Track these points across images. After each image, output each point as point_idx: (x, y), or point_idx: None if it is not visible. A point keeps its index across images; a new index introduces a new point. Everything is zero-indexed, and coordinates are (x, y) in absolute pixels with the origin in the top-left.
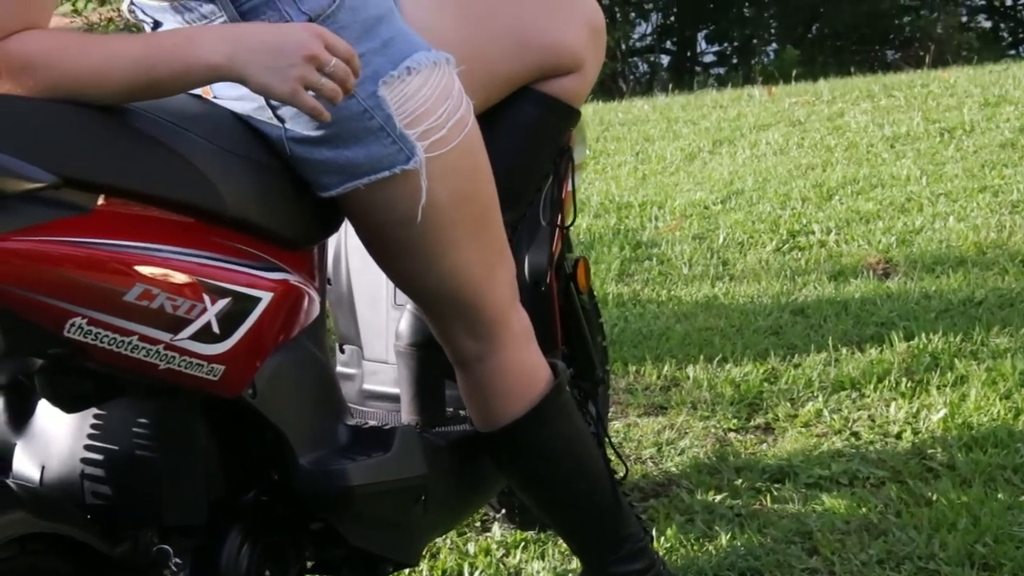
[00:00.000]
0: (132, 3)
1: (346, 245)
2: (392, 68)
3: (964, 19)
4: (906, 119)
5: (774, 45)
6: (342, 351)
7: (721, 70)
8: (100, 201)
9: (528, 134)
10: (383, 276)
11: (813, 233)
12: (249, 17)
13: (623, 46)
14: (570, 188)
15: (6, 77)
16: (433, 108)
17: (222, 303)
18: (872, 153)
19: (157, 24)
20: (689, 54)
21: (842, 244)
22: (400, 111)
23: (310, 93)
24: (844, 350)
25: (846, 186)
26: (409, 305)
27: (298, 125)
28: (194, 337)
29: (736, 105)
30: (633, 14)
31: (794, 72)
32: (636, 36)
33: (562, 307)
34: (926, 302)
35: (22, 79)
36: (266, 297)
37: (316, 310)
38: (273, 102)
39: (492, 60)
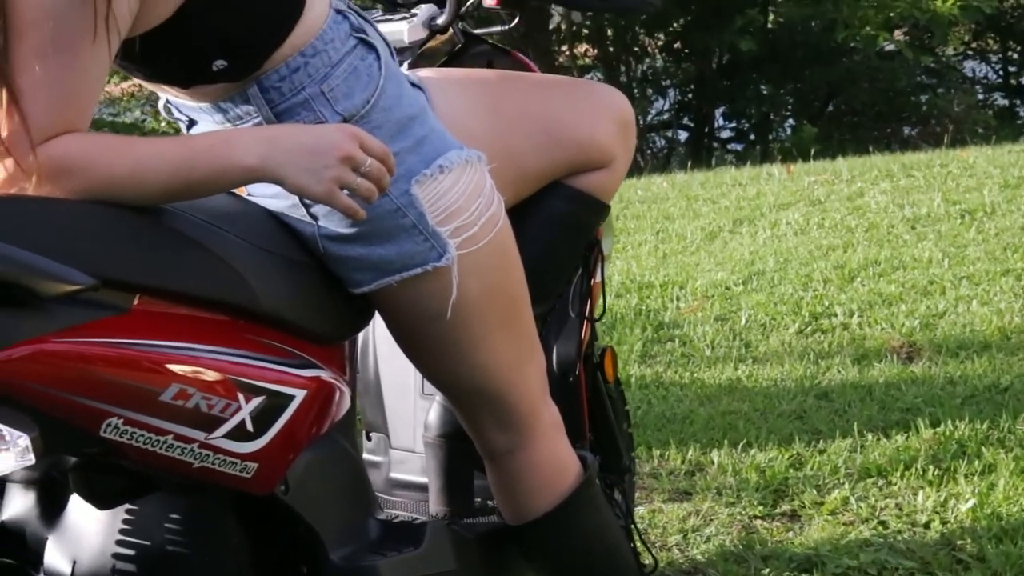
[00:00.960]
0: (168, 101)
1: (374, 333)
2: (425, 167)
3: (981, 97)
4: (926, 200)
5: (791, 121)
6: (369, 439)
7: (739, 146)
8: (136, 301)
9: (558, 229)
10: (411, 365)
11: (835, 315)
12: (284, 118)
13: (641, 122)
14: (599, 280)
15: (45, 180)
16: (465, 205)
17: (256, 401)
18: (893, 234)
19: (192, 122)
20: (707, 130)
21: (865, 327)
22: (433, 209)
23: (345, 192)
24: (870, 436)
25: (868, 268)
26: (438, 396)
27: (331, 223)
28: (228, 436)
29: (755, 183)
30: (651, 90)
31: (812, 150)
32: (654, 112)
33: (589, 397)
34: (951, 388)
35: (61, 182)
36: (299, 395)
37: (347, 404)
38: (307, 201)
39: (523, 156)
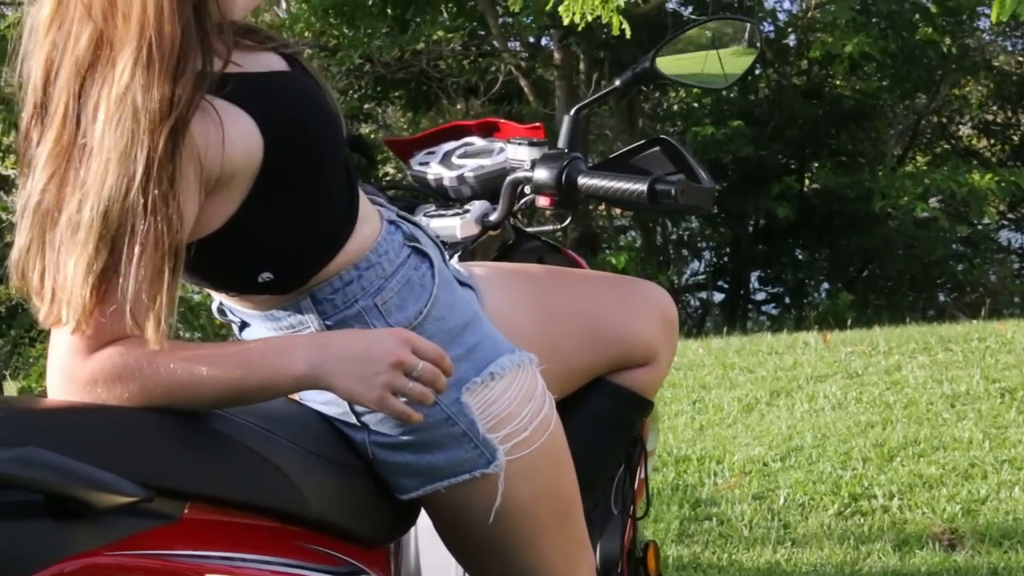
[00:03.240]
0: (221, 304)
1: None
2: (476, 374)
3: (1016, 267)
4: (965, 376)
5: (826, 285)
6: None
7: (774, 309)
8: (186, 509)
9: (601, 425)
10: (451, 556)
11: (875, 497)
12: (336, 329)
13: (676, 283)
14: (642, 477)
15: (101, 386)
16: (516, 411)
17: None
18: (932, 412)
19: (244, 324)
20: (742, 292)
21: (905, 510)
22: (483, 416)
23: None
24: None
25: (907, 447)
26: None
27: (382, 429)
28: None
29: (792, 352)
30: (686, 251)
31: (848, 320)
32: (688, 272)
33: None
34: None
35: (116, 389)
36: None
37: None
38: (358, 408)
39: (568, 354)
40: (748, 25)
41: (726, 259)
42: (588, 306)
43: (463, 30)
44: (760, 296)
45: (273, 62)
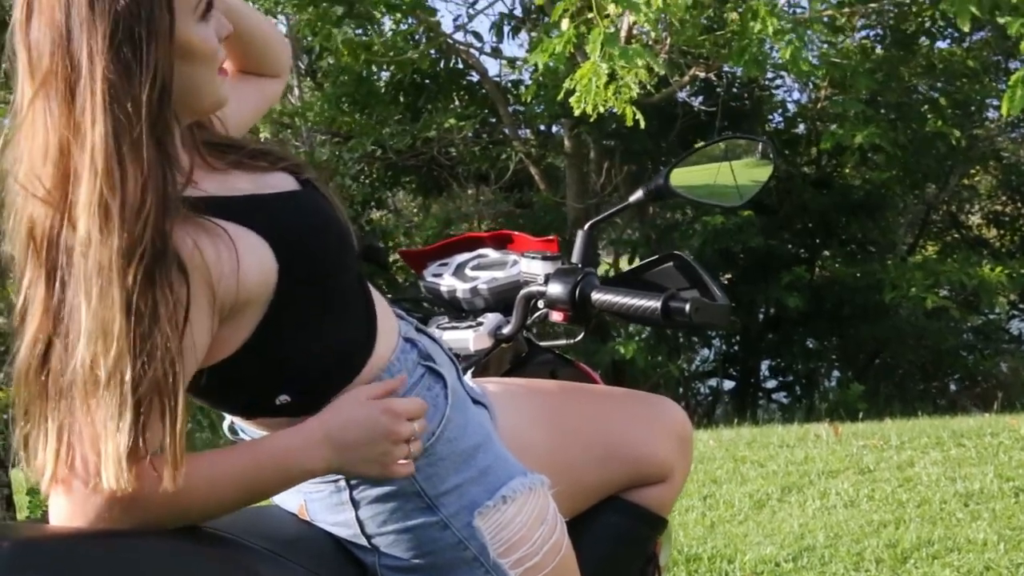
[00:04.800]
0: (233, 422)
1: None
2: (488, 498)
3: None
4: (978, 473)
5: (837, 374)
6: None
7: (784, 397)
8: None
9: (615, 543)
10: None
11: None
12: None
13: (686, 371)
14: None
15: (117, 511)
16: (528, 535)
17: None
18: (946, 511)
19: None
20: (752, 380)
21: None
22: (494, 540)
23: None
24: None
25: (921, 548)
26: None
27: (393, 552)
28: None
29: (803, 445)
30: (695, 339)
31: (860, 413)
32: (698, 361)
33: None
34: None
35: (134, 511)
36: None
37: None
38: (369, 531)
39: (581, 470)
40: (760, 143)
41: (736, 348)
42: (601, 423)
43: (474, 118)
44: (770, 384)
45: (284, 182)
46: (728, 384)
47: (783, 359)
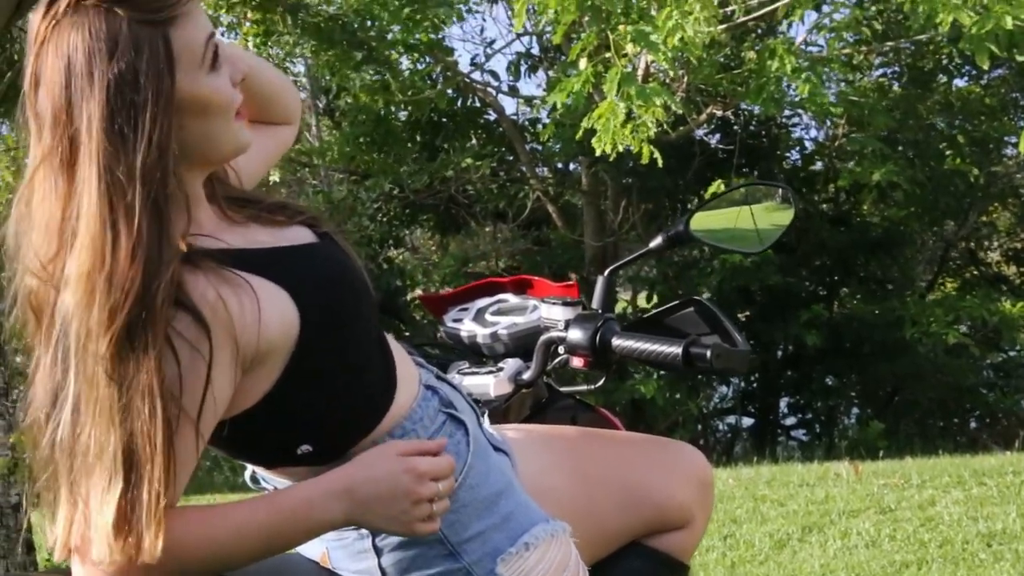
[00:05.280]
0: (254, 471)
1: None
2: (510, 545)
3: None
4: (1001, 513)
5: (856, 411)
6: None
7: (803, 435)
8: None
9: None
10: None
11: None
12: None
13: (705, 408)
14: None
15: (140, 564)
16: None
17: None
18: (968, 552)
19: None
20: (771, 417)
21: None
22: None
23: None
24: None
25: None
26: None
27: None
28: None
29: (823, 484)
30: (714, 377)
31: (880, 451)
32: (717, 398)
33: None
34: None
35: (160, 568)
36: None
37: None
38: None
39: (603, 517)
40: (780, 189)
41: (755, 385)
42: (623, 469)
43: (491, 156)
44: (790, 421)
45: (302, 235)
46: (747, 421)
47: (802, 396)
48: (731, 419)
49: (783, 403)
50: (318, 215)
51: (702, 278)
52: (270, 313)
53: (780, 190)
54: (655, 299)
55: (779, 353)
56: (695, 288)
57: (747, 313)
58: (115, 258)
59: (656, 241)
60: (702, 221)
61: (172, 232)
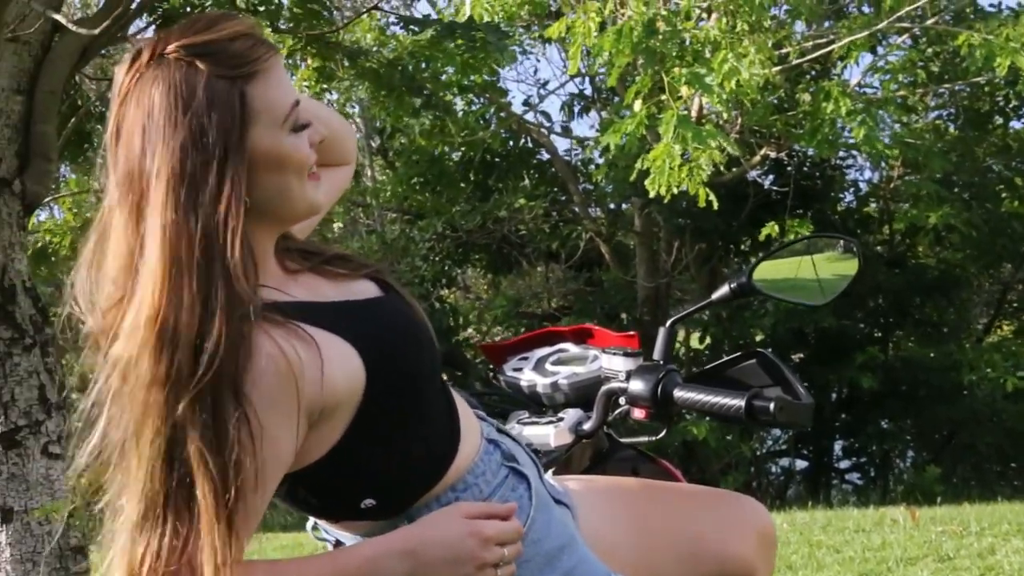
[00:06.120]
0: (315, 523)
1: None
2: None
3: None
4: None
5: (911, 455)
6: None
7: (858, 479)
8: None
9: None
10: None
11: None
12: None
13: (758, 451)
14: None
15: None
16: None
17: None
18: None
19: (339, 543)
20: (825, 460)
21: None
22: None
23: None
24: None
25: None
26: None
27: None
28: None
29: (879, 531)
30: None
31: (938, 497)
32: (770, 441)
33: None
34: None
35: None
36: None
37: None
38: None
39: (665, 571)
40: (842, 240)
41: (809, 428)
42: (684, 523)
43: (544, 196)
44: (844, 465)
45: (368, 289)
46: (800, 464)
47: (857, 439)
48: (784, 462)
49: (837, 446)
50: (382, 268)
51: (755, 320)
52: (336, 368)
53: (842, 241)
54: (708, 340)
55: (833, 396)
56: (748, 330)
57: (801, 355)
58: (174, 309)
59: (720, 292)
60: (765, 272)
61: (236, 286)
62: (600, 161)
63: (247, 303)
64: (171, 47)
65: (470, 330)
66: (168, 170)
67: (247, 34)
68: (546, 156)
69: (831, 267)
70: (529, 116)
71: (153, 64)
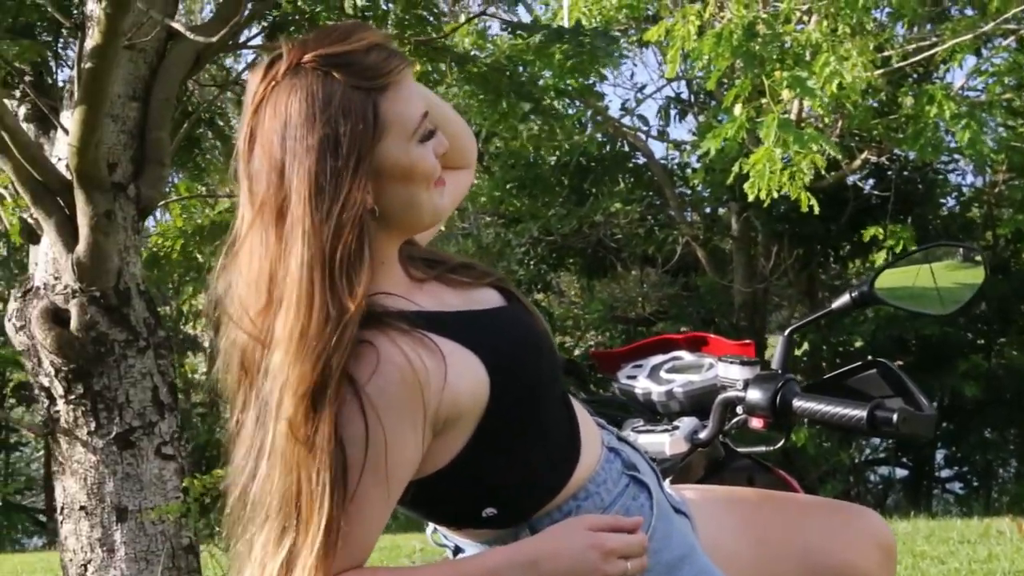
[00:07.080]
0: (436, 529)
1: None
2: None
3: None
4: None
5: (1015, 464)
6: None
7: (960, 488)
8: None
9: None
10: None
11: None
12: None
13: (858, 459)
14: None
15: None
16: None
17: None
18: None
19: (459, 550)
20: (926, 469)
21: None
22: None
23: None
24: None
25: None
26: None
27: None
28: None
29: (985, 542)
30: None
31: None
32: (869, 449)
33: None
34: None
35: None
36: None
37: None
38: None
39: None
40: (962, 248)
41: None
42: (805, 534)
43: (640, 201)
44: (945, 474)
45: (492, 298)
46: (900, 472)
47: (959, 449)
48: (884, 470)
49: (939, 455)
50: (503, 276)
51: (856, 326)
52: (460, 377)
53: (962, 249)
54: (806, 347)
55: (935, 404)
56: (849, 336)
57: (900, 363)
58: (313, 319)
59: (840, 300)
60: (887, 280)
61: (361, 295)
62: (697, 165)
63: (375, 312)
64: (308, 57)
65: (565, 336)
66: (306, 179)
67: (381, 45)
68: (642, 160)
69: (952, 275)
70: (626, 120)
71: (290, 73)
